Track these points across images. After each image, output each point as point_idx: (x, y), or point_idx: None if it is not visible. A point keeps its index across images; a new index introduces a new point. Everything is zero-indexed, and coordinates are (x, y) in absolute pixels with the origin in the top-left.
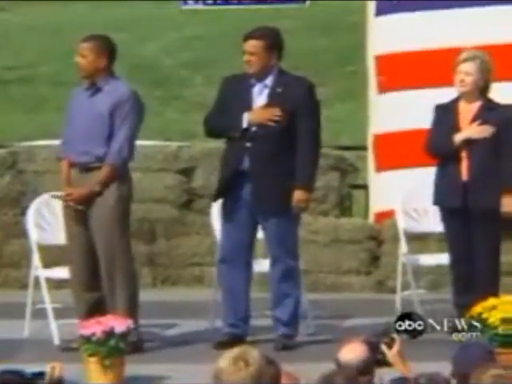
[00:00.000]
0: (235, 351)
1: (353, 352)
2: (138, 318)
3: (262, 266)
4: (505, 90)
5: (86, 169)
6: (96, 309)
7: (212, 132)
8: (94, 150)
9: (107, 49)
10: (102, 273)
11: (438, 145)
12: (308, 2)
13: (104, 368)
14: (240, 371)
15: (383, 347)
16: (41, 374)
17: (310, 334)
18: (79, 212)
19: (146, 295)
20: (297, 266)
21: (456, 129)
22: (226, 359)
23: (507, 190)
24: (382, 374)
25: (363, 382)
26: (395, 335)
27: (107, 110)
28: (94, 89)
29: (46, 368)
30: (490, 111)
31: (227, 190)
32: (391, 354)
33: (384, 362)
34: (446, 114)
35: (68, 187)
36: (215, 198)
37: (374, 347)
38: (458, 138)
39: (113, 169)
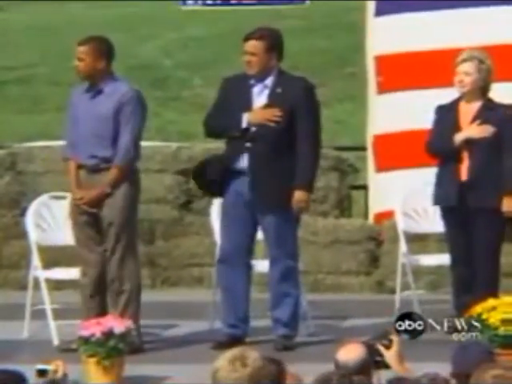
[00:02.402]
0: (234, 351)
1: (351, 352)
2: (138, 319)
3: (261, 266)
4: (505, 90)
5: (94, 170)
6: (104, 309)
7: (212, 132)
8: (101, 153)
9: (105, 50)
10: (109, 272)
11: (438, 145)
12: (308, 2)
13: (103, 368)
14: (236, 371)
15: (381, 348)
16: (44, 371)
17: (310, 335)
18: (88, 214)
19: (145, 296)
20: (296, 266)
21: (456, 129)
22: (223, 359)
23: (509, 189)
24: (382, 376)
25: (360, 382)
26: (394, 336)
27: (111, 112)
28: (95, 91)
29: (51, 366)
30: (490, 111)
31: (223, 189)
32: (389, 354)
33: (383, 364)
34: (446, 114)
35: (78, 190)
36: (211, 195)
37: (372, 349)
38: (458, 137)
39: (121, 170)
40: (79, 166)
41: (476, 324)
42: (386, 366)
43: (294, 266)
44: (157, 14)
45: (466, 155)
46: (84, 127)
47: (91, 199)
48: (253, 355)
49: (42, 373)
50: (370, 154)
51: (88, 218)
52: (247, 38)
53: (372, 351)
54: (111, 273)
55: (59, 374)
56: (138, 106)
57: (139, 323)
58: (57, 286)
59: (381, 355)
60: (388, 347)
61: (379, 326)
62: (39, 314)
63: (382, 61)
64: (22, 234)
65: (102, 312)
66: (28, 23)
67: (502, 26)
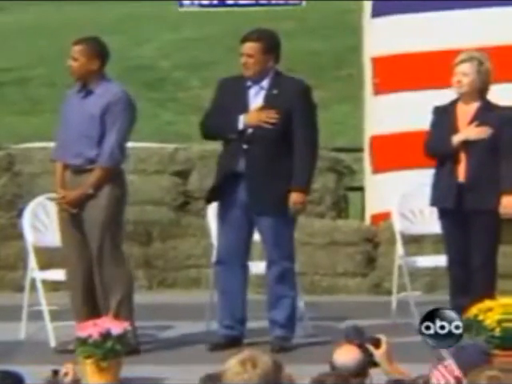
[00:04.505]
0: (245, 353)
1: (348, 354)
2: (132, 320)
3: (258, 268)
4: (501, 91)
5: (79, 171)
6: (94, 311)
7: (208, 134)
8: (86, 153)
9: (99, 51)
10: (95, 275)
11: (436, 146)
12: (304, 3)
13: (100, 370)
14: (246, 372)
15: (370, 347)
16: (57, 373)
17: (307, 336)
18: (73, 215)
19: (142, 297)
20: (293, 268)
21: (454, 130)
22: (234, 360)
23: (505, 191)
24: (373, 375)
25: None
26: (381, 336)
27: (99, 112)
28: (86, 91)
29: (63, 369)
30: (488, 112)
31: (220, 191)
32: (378, 353)
33: (372, 363)
34: (444, 116)
35: (62, 190)
36: (208, 200)
37: (362, 348)
38: (456, 139)
39: (105, 171)
40: (65, 167)
41: (472, 326)
42: (375, 364)
43: (290, 268)
44: (154, 16)
45: (463, 156)
46: (73, 127)
47: (73, 199)
48: (263, 358)
49: (55, 374)
50: (366, 155)
51: (72, 219)
52: (244, 40)
53: (362, 350)
54: (100, 275)
55: (68, 378)
56: (126, 108)
57: (134, 325)
58: (54, 287)
59: (370, 354)
60: (377, 346)
61: (376, 328)
62: (36, 316)
63: (379, 62)
64: (19, 236)
65: (94, 315)
66: (25, 24)
67: (498, 27)
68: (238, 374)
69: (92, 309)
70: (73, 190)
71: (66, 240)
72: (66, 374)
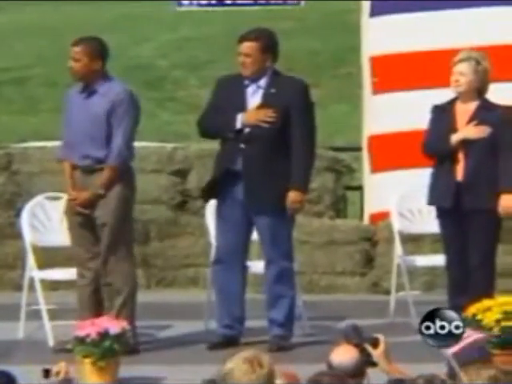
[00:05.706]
0: (248, 353)
1: (345, 354)
2: (133, 320)
3: (256, 267)
4: (499, 90)
5: (89, 171)
6: (99, 309)
7: (206, 133)
8: (94, 153)
9: (100, 51)
10: (104, 274)
11: (434, 145)
12: (302, 3)
13: (98, 369)
14: (254, 372)
15: (369, 347)
16: (48, 372)
17: (305, 335)
18: (84, 215)
19: (140, 296)
20: (291, 267)
21: (453, 129)
22: (238, 360)
23: (504, 190)
24: (372, 375)
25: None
26: (380, 335)
27: (104, 112)
28: (89, 91)
29: (55, 367)
30: (486, 112)
31: (218, 190)
32: (377, 353)
33: (370, 362)
34: (443, 115)
35: (73, 191)
36: (204, 197)
37: (360, 348)
38: (455, 138)
39: (114, 170)
40: (74, 167)
41: (470, 325)
42: (373, 364)
43: (289, 267)
44: (152, 15)
45: (462, 156)
46: (78, 128)
47: (84, 200)
48: (266, 357)
49: (46, 373)
50: (365, 154)
51: (82, 218)
52: (242, 39)
53: (360, 350)
54: (106, 274)
55: (60, 377)
56: (130, 107)
57: (135, 324)
58: (53, 286)
59: (368, 354)
60: (375, 345)
61: (374, 327)
62: (35, 315)
63: (377, 61)
64: (18, 235)
65: (98, 313)
66: (22, 24)
67: (496, 26)
68: (246, 373)
69: (97, 307)
70: (83, 189)
71: (76, 240)
72: (57, 373)
